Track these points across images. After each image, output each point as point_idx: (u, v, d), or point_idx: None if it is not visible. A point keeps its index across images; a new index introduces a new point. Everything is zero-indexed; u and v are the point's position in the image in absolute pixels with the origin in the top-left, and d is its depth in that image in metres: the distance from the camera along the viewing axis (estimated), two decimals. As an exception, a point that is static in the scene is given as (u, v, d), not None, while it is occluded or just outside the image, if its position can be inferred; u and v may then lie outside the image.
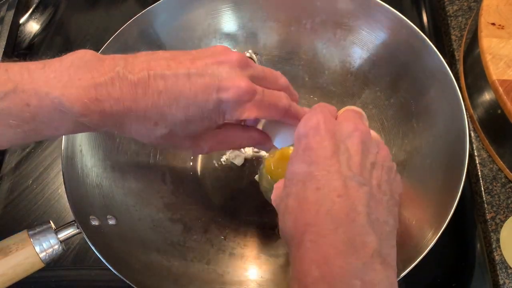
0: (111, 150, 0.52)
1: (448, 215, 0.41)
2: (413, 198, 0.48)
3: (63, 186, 0.45)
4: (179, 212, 0.53)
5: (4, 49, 0.68)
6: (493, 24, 0.54)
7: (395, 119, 0.54)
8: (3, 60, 0.67)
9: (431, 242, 0.40)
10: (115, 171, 0.51)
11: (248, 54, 0.57)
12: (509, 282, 0.49)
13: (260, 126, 0.43)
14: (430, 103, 0.50)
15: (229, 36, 0.59)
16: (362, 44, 0.56)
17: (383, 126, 0.55)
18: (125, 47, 0.53)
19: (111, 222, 0.47)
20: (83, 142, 0.49)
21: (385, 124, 0.55)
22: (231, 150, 0.58)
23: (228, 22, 0.59)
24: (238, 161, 0.58)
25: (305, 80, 0.60)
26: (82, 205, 0.46)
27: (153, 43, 0.55)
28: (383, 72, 0.55)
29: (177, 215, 0.53)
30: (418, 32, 0.50)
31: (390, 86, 0.54)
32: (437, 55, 0.49)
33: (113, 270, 0.42)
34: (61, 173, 0.46)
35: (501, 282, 0.49)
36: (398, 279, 0.37)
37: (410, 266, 0.40)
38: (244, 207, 0.55)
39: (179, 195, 0.55)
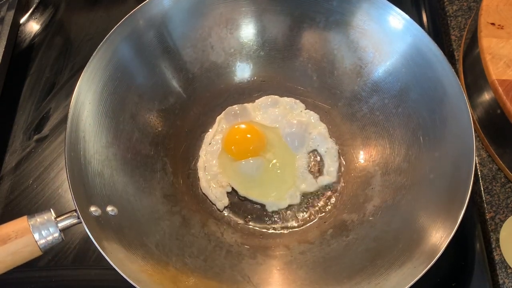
0: (114, 137, 0.52)
1: (448, 238, 0.42)
2: (413, 211, 0.48)
3: (63, 186, 0.45)
4: (179, 204, 0.53)
5: (4, 49, 0.68)
6: (493, 24, 0.54)
7: (401, 129, 0.54)
8: (3, 60, 0.67)
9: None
10: (117, 159, 0.51)
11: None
12: (509, 282, 0.49)
13: None
14: (438, 119, 0.50)
15: (240, 27, 0.59)
16: (375, 50, 0.55)
17: (388, 133, 0.55)
18: (134, 32, 0.54)
19: (112, 213, 0.46)
20: (86, 129, 0.49)
21: (391, 132, 0.55)
22: None
23: (241, 12, 0.58)
24: None
25: (313, 79, 0.60)
26: (84, 194, 0.45)
27: (163, 28, 0.56)
28: (394, 80, 0.55)
29: (176, 208, 0.53)
30: (435, 47, 0.50)
31: (399, 95, 0.54)
32: (452, 72, 0.48)
33: (110, 262, 0.41)
34: (61, 173, 0.46)
35: (500, 281, 0.49)
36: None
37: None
38: (242, 204, 0.55)
39: (178, 187, 0.55)
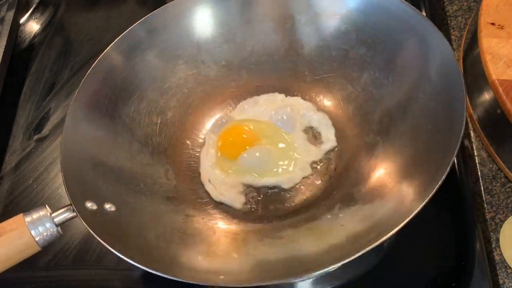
0: (113, 146, 0.52)
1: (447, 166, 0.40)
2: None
3: (63, 186, 0.45)
4: (182, 204, 0.53)
5: (4, 49, 0.68)
6: (493, 24, 0.54)
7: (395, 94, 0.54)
8: (3, 60, 0.67)
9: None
10: (115, 168, 0.51)
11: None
12: (509, 282, 0.49)
13: None
14: (427, 70, 0.50)
15: (229, 39, 0.60)
16: (356, 29, 0.56)
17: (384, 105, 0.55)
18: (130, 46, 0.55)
19: (110, 209, 0.46)
20: (81, 139, 0.49)
21: (386, 102, 0.55)
22: None
23: (224, 24, 0.60)
24: None
25: (305, 74, 0.61)
26: (79, 190, 0.45)
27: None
28: (379, 51, 0.55)
29: (179, 207, 0.52)
30: (402, 2, 0.51)
31: (386, 63, 0.55)
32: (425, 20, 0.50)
33: (112, 249, 0.41)
34: (61, 173, 0.46)
35: (500, 282, 0.49)
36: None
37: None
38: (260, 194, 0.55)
39: (182, 190, 0.55)
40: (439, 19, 0.68)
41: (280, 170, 0.55)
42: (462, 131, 0.42)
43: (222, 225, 0.52)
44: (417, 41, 0.51)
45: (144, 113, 0.57)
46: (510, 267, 0.50)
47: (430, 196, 0.39)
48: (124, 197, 0.49)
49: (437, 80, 0.48)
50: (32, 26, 0.75)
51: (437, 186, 0.39)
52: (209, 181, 0.56)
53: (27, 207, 0.59)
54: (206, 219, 0.52)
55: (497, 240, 0.51)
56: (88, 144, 0.51)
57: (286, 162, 0.56)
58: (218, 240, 0.50)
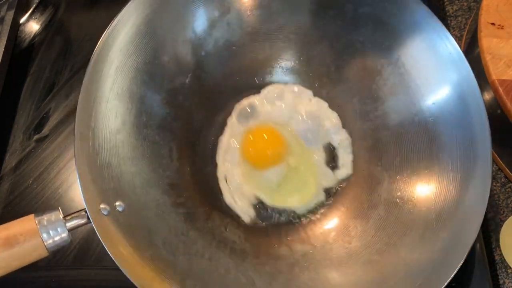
0: (122, 122, 0.51)
1: None
2: None
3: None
4: (183, 195, 0.53)
5: (4, 49, 0.68)
6: (493, 24, 0.54)
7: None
8: (3, 60, 0.67)
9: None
10: (124, 146, 0.50)
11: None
12: (509, 282, 0.49)
13: None
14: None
15: (261, 4, 0.57)
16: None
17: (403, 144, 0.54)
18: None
19: (120, 208, 0.45)
20: (95, 112, 0.48)
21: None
22: None
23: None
24: None
25: (331, 70, 0.59)
26: (93, 190, 0.44)
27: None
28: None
29: (180, 199, 0.52)
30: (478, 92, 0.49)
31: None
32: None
33: (118, 264, 0.40)
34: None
35: (500, 281, 0.49)
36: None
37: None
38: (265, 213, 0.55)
39: (183, 174, 0.54)
40: (439, 19, 0.68)
41: (297, 195, 0.54)
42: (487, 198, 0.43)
43: (221, 227, 0.52)
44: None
45: (157, 76, 0.55)
46: (510, 267, 0.50)
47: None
48: (131, 191, 0.48)
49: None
50: (32, 26, 0.75)
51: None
52: (225, 180, 0.54)
53: (27, 207, 0.59)
54: (206, 217, 0.53)
55: (497, 240, 0.51)
56: (100, 130, 0.48)
57: (304, 187, 0.54)
58: (218, 249, 0.50)
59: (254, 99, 0.58)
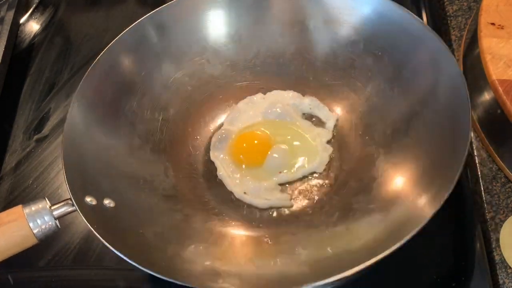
0: (112, 139, 0.52)
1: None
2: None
3: (63, 186, 0.45)
4: (180, 204, 0.53)
5: (4, 49, 0.68)
6: (493, 24, 0.54)
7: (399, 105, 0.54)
8: (3, 60, 0.67)
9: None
10: (117, 161, 0.51)
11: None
12: (509, 282, 0.49)
13: None
14: (432, 87, 0.50)
15: (233, 39, 0.60)
16: (365, 39, 0.56)
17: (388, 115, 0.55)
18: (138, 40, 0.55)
19: (109, 205, 0.46)
20: (82, 134, 0.49)
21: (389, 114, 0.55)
22: None
23: (232, 24, 0.60)
24: None
25: (310, 80, 0.60)
26: (79, 184, 0.45)
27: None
28: (385, 63, 0.55)
29: (177, 206, 0.52)
30: (415, 18, 0.51)
31: (393, 76, 0.54)
32: (435, 37, 0.49)
33: (110, 247, 0.41)
34: (61, 172, 0.46)
35: (500, 282, 0.49)
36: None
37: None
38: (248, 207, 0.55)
39: (180, 189, 0.54)
40: (439, 19, 0.68)
41: (307, 158, 0.56)
42: (466, 152, 0.42)
43: (220, 227, 0.52)
44: (426, 57, 0.51)
45: (146, 109, 0.57)
46: (510, 267, 0.50)
47: (435, 211, 0.40)
48: (123, 193, 0.49)
49: (443, 97, 0.48)
50: (32, 26, 0.75)
51: (443, 200, 0.40)
52: (245, 193, 0.55)
53: (27, 207, 0.59)
54: (205, 219, 0.52)
55: (497, 240, 0.51)
56: (89, 138, 0.50)
57: (308, 149, 0.56)
58: (215, 242, 0.50)
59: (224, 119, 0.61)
